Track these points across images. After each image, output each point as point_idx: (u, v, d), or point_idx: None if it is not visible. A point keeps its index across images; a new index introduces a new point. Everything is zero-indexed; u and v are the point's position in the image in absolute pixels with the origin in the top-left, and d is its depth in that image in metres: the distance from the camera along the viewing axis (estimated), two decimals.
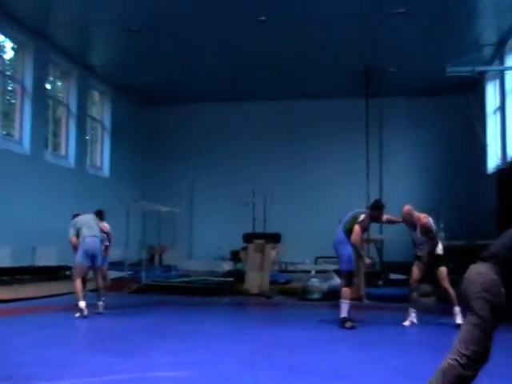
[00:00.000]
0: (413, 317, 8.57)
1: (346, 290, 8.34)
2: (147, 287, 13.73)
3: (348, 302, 8.27)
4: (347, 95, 20.63)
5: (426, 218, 8.58)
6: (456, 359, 3.29)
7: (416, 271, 8.66)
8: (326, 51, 17.10)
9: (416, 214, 8.65)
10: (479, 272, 3.39)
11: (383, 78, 18.95)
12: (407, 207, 8.74)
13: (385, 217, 8.83)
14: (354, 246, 8.48)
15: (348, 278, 8.44)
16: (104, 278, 10.21)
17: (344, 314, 8.22)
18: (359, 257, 8.80)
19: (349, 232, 8.49)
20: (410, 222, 8.65)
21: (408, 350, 6.57)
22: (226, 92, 21.39)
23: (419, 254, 8.63)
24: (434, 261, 8.52)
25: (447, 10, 14.24)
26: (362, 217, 8.49)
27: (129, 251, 17.16)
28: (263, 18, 14.65)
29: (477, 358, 3.29)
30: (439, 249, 8.61)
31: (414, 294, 8.71)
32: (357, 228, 8.38)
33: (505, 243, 3.45)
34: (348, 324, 8.13)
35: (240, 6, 13.97)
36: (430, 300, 8.79)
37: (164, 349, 6.44)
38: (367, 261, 8.80)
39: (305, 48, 16.90)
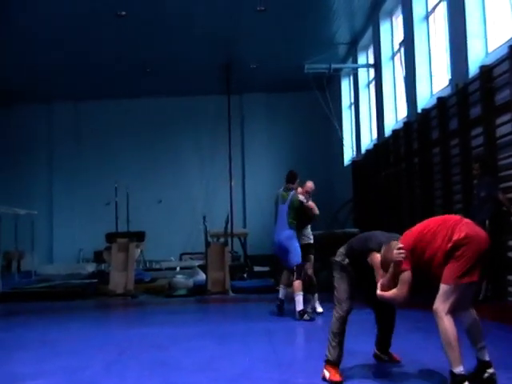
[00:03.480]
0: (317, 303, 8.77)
1: (298, 283, 8.38)
2: (4, 296, 12.91)
3: (301, 294, 8.30)
4: (210, 92, 20.72)
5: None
6: None
7: None
8: (189, 48, 17.02)
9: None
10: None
11: (244, 75, 19.25)
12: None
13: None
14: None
15: (299, 271, 8.48)
16: None
17: (300, 306, 8.23)
18: None
19: (294, 220, 8.55)
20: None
21: (273, 339, 6.72)
22: (88, 90, 20.66)
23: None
24: (304, 249, 8.73)
25: (305, 10, 14.77)
26: (301, 197, 8.65)
27: None
28: (123, 13, 14.33)
29: None
30: (309, 238, 8.89)
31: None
32: (310, 204, 8.64)
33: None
34: (306, 316, 8.15)
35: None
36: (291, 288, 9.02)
37: (25, 358, 6.11)
38: None
39: (167, 45, 16.77)
